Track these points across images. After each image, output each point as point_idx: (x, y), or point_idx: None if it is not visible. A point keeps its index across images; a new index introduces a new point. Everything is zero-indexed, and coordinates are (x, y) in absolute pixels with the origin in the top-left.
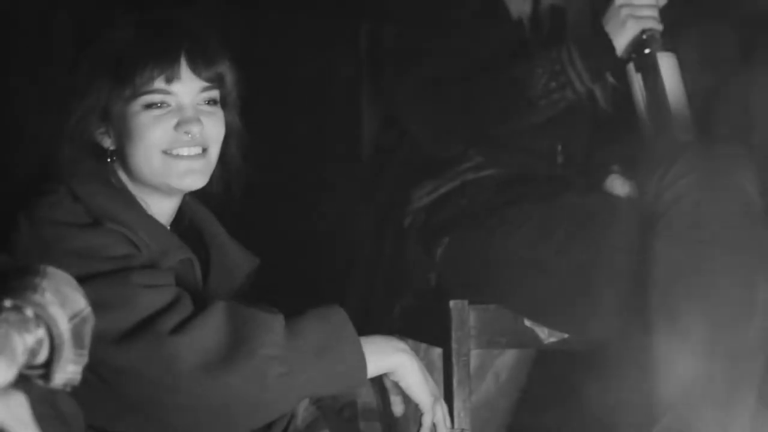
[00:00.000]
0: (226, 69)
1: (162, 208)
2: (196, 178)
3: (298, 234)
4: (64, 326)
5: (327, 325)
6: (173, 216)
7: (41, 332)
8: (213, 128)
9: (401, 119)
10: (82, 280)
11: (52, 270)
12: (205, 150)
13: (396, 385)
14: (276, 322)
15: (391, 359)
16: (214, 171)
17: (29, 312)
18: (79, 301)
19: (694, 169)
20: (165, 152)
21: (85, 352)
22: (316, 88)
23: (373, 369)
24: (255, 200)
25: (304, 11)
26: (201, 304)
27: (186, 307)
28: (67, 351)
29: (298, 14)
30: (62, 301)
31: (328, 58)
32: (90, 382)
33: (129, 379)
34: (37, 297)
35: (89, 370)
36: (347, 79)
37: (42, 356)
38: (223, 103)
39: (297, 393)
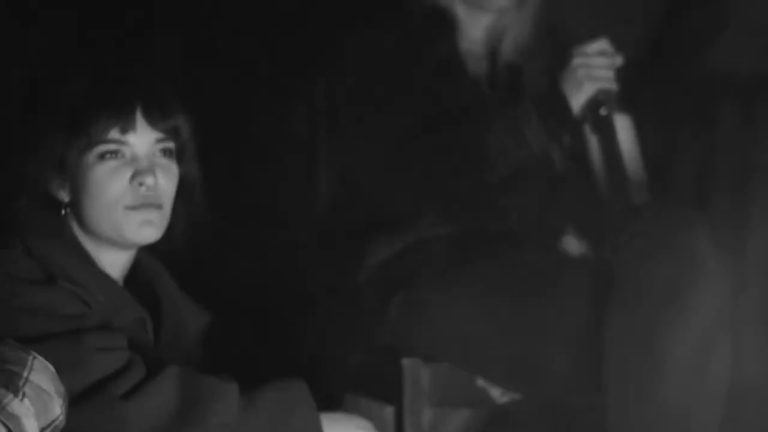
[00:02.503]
0: (181, 121)
1: (116, 262)
2: (152, 231)
3: (251, 289)
4: None
5: (285, 397)
6: (127, 270)
7: None
8: (167, 181)
9: (356, 175)
10: (35, 339)
11: (39, 364)
12: (160, 203)
13: None
14: (229, 390)
15: None
16: (173, 223)
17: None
18: (55, 409)
19: (649, 230)
20: (121, 206)
21: None
22: (272, 143)
23: None
24: (207, 254)
25: (262, 66)
26: (154, 365)
27: (138, 372)
28: None
29: (256, 68)
30: (39, 411)
31: (284, 113)
32: None
33: None
34: (14, 405)
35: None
36: (303, 135)
37: None
38: (179, 155)
39: None
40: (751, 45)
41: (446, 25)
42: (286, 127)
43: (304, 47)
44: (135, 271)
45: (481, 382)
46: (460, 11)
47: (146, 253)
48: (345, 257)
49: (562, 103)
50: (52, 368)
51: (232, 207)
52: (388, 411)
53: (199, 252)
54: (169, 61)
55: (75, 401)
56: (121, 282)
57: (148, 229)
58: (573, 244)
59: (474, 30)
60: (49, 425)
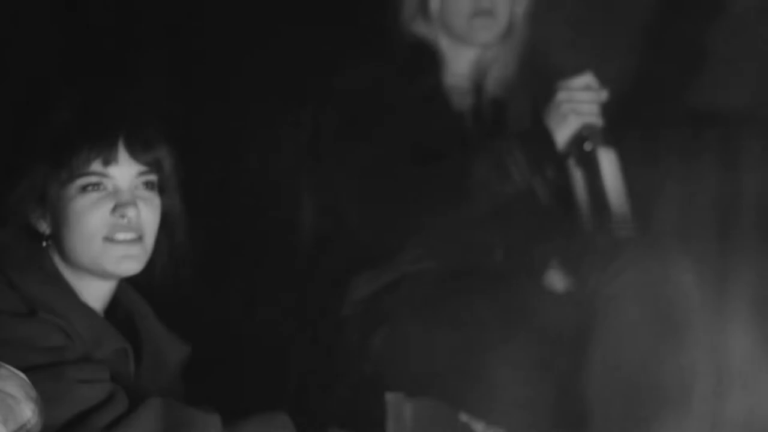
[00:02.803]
0: (164, 154)
1: (97, 294)
2: (132, 264)
3: (235, 321)
4: None
5: (268, 430)
6: (108, 301)
7: None
8: (149, 213)
9: (340, 209)
10: None
11: (4, 372)
12: (141, 235)
13: None
14: (211, 421)
15: None
16: (155, 256)
17: None
18: (24, 412)
19: (633, 265)
20: (101, 237)
21: None
22: (257, 177)
23: None
24: (190, 287)
25: (247, 96)
26: (135, 396)
27: (120, 404)
28: None
29: (241, 99)
30: (6, 415)
31: (269, 146)
32: None
33: None
34: None
35: None
36: (287, 167)
37: None
38: (161, 188)
39: None
40: (732, 81)
41: (431, 59)
42: (271, 160)
43: (291, 81)
44: (116, 303)
45: (464, 416)
46: (445, 46)
47: (127, 284)
48: (329, 291)
49: (547, 138)
50: (21, 375)
51: (215, 240)
52: None
53: (182, 284)
54: (155, 92)
55: None
56: (102, 313)
57: (129, 261)
58: (557, 279)
59: (459, 64)
60: (19, 429)
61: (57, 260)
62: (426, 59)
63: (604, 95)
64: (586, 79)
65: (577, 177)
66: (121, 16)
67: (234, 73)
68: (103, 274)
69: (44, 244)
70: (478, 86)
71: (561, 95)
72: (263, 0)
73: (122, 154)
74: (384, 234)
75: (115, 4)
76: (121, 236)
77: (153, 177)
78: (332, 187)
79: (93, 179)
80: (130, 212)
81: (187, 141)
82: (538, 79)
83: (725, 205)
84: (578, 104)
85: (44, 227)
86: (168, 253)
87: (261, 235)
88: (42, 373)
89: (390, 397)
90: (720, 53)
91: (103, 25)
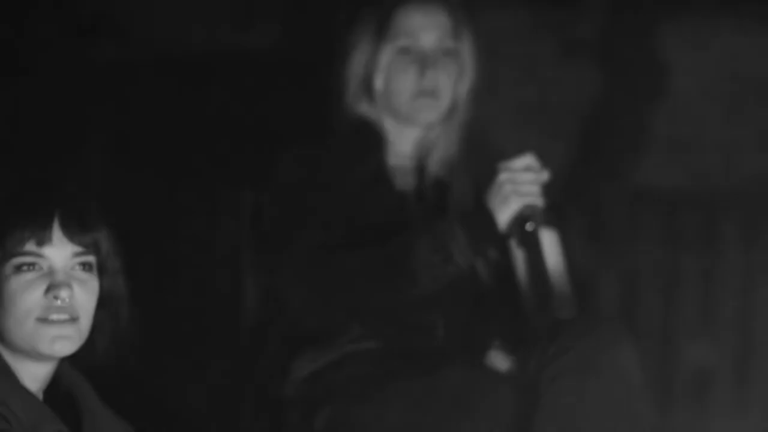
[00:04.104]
0: (102, 235)
1: (35, 374)
2: (66, 345)
3: (175, 402)
4: None
5: None
6: (47, 382)
7: None
8: (84, 295)
9: (282, 290)
10: None
11: None
12: (76, 317)
13: None
14: None
15: None
16: (96, 337)
17: None
18: None
19: (574, 346)
20: (35, 318)
21: None
22: (198, 257)
23: None
24: (131, 367)
25: (188, 177)
26: None
27: None
28: None
29: (182, 180)
30: None
31: (209, 225)
32: None
33: None
34: None
35: None
36: (228, 248)
37: None
38: (101, 268)
39: None
40: (673, 160)
41: (374, 138)
42: (212, 241)
43: (233, 160)
44: (57, 382)
45: None
46: (389, 125)
47: (68, 364)
48: (271, 371)
49: (489, 219)
50: None
51: (157, 320)
52: None
53: (124, 364)
54: (93, 172)
55: None
56: (40, 394)
57: (62, 342)
58: (499, 359)
59: (402, 144)
60: None
61: None
62: (369, 139)
63: (545, 176)
64: (528, 160)
65: (519, 257)
66: (60, 93)
67: (174, 152)
68: (37, 356)
69: None
70: (420, 166)
71: (502, 176)
72: (204, 78)
73: (57, 234)
74: (326, 314)
75: (53, 81)
76: (54, 317)
77: (90, 258)
78: (273, 269)
79: (27, 259)
80: (64, 293)
81: (128, 220)
82: (480, 160)
83: (667, 282)
84: (520, 185)
85: None
86: (110, 334)
87: (203, 315)
88: None
89: None
90: (661, 133)
91: (40, 102)
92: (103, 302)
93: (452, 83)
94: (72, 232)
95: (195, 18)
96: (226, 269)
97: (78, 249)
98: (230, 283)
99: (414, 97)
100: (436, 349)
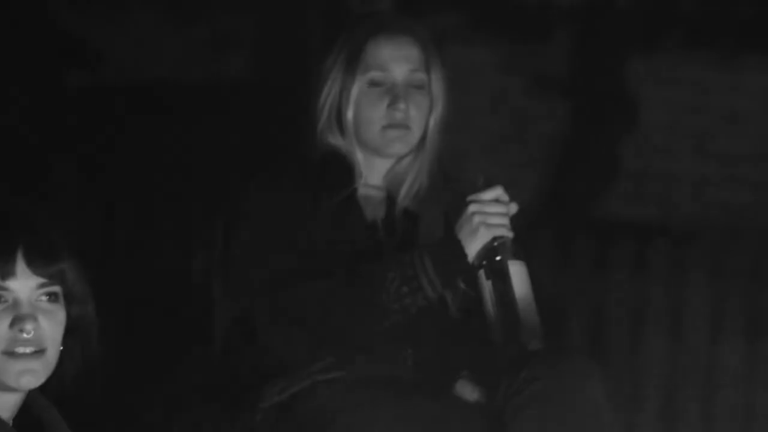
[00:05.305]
0: (67, 264)
1: (4, 403)
2: (32, 378)
3: (146, 428)
4: None
5: None
6: (16, 410)
7: None
8: (50, 326)
9: (251, 319)
10: None
11: None
12: (42, 349)
13: None
14: None
15: None
16: (65, 367)
17: None
18: None
19: (542, 377)
20: (1, 352)
21: None
22: (167, 287)
23: None
24: (101, 394)
25: (159, 205)
26: None
27: None
28: None
29: (154, 208)
30: None
31: (180, 253)
32: None
33: None
34: None
35: None
36: (199, 279)
37: None
38: (68, 297)
39: None
40: (642, 193)
41: (345, 169)
42: (181, 270)
43: (205, 188)
44: (26, 411)
45: None
46: (359, 156)
47: (38, 392)
48: (240, 399)
49: (458, 250)
50: None
51: (126, 349)
52: None
53: (94, 392)
54: (67, 198)
55: None
56: (11, 422)
57: (29, 376)
58: (467, 390)
59: (372, 175)
60: None
61: None
62: (340, 170)
63: (514, 208)
64: (497, 191)
65: (488, 288)
66: (29, 125)
67: (145, 179)
68: (5, 387)
69: None
70: (390, 197)
71: (471, 208)
72: (176, 106)
73: (21, 267)
74: (295, 344)
75: (23, 112)
76: (20, 350)
77: (55, 288)
78: (243, 299)
79: None
80: (29, 326)
81: (100, 250)
82: (449, 192)
83: (634, 313)
84: (489, 217)
85: None
86: (79, 361)
87: (173, 343)
88: None
89: None
90: (630, 166)
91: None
92: (72, 330)
93: (423, 116)
94: (36, 264)
95: (168, 46)
96: (196, 298)
97: (43, 280)
98: (202, 311)
99: (384, 129)
100: (404, 379)
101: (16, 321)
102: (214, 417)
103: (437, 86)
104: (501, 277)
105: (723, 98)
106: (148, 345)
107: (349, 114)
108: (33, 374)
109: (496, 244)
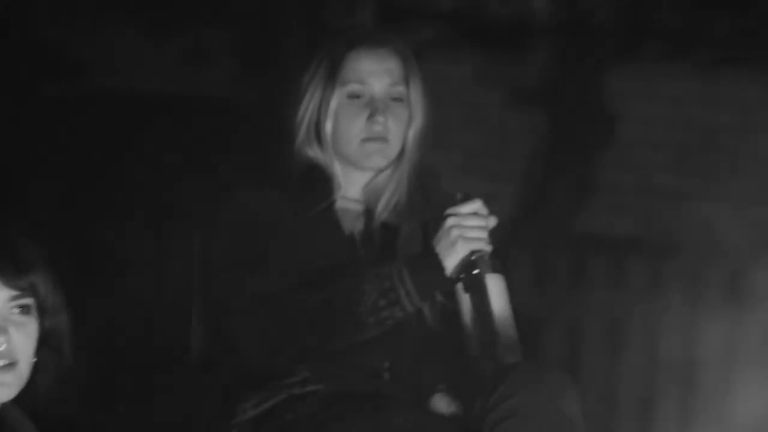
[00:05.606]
0: (39, 276)
1: None
2: (5, 390)
3: None
4: None
5: None
6: None
7: None
8: (22, 338)
9: (229, 331)
10: None
11: None
12: (14, 361)
13: None
14: None
15: None
16: (39, 378)
17: None
18: None
19: (519, 391)
20: None
21: None
22: (147, 297)
23: None
24: (76, 406)
25: (137, 219)
26: None
27: None
28: None
29: (132, 222)
30: None
31: (159, 266)
32: None
33: None
34: None
35: None
36: (177, 290)
37: None
38: (41, 309)
39: None
40: (619, 207)
41: (323, 182)
42: (161, 283)
43: (182, 201)
44: (0, 423)
45: None
46: (337, 169)
47: (12, 404)
48: (217, 412)
49: (436, 264)
50: None
51: (104, 357)
52: None
53: (68, 404)
54: (42, 212)
55: None
56: None
57: (1, 389)
58: (444, 403)
59: (350, 188)
60: None
61: None
62: (318, 183)
63: (492, 221)
64: (475, 205)
65: (465, 302)
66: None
67: (123, 192)
68: None
69: None
70: (369, 210)
71: (450, 221)
72: (155, 119)
73: None
74: (271, 357)
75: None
76: None
77: (27, 300)
78: (220, 311)
79: None
80: (0, 339)
81: (76, 261)
82: (428, 205)
83: (613, 329)
84: (467, 230)
85: None
86: (53, 373)
87: (149, 355)
88: None
89: None
90: (607, 180)
91: None
92: (45, 341)
93: (402, 129)
94: (7, 276)
95: (147, 59)
96: (175, 310)
97: (15, 292)
98: (179, 325)
99: (363, 142)
100: (381, 393)
101: None
102: (190, 431)
103: (416, 99)
104: (479, 291)
105: (701, 112)
106: (124, 357)
107: (328, 127)
108: (5, 387)
109: (474, 257)
